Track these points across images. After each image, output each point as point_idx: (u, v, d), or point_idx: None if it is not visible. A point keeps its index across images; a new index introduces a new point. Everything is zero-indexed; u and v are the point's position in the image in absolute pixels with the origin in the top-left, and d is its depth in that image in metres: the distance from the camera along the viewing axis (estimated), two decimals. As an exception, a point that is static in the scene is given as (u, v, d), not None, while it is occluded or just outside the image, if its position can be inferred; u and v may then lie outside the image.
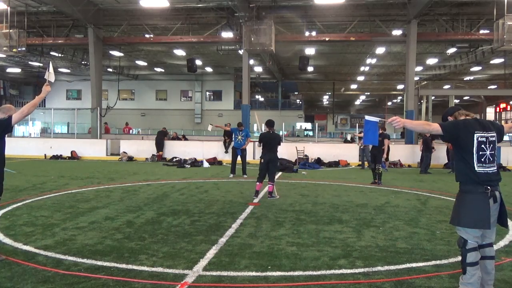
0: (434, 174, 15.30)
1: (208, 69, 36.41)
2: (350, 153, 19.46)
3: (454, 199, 3.80)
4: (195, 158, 18.24)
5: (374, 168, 12.16)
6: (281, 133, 26.82)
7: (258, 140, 9.70)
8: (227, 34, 22.04)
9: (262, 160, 9.24)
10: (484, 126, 3.70)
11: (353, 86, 45.24)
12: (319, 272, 4.36)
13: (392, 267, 4.56)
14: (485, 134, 3.62)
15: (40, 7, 20.65)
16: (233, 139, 13.87)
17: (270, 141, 9.25)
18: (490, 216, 3.54)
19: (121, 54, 27.50)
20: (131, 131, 33.36)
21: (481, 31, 20.79)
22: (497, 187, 3.62)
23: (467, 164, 3.61)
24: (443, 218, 7.11)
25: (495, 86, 34.27)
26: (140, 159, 20.14)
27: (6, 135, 4.88)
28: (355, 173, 15.79)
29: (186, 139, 22.87)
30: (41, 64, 30.82)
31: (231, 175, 13.47)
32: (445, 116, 4.02)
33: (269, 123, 9.60)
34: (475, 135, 3.59)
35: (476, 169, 3.57)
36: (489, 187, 3.54)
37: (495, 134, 3.68)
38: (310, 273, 4.35)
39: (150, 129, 34.91)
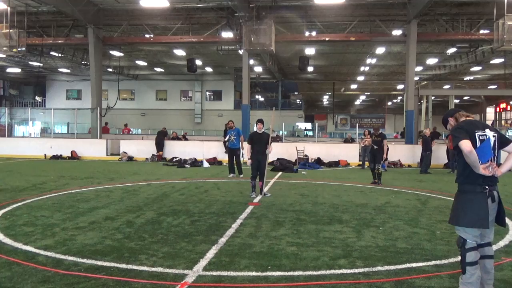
0: (434, 174, 15.29)
1: (208, 69, 36.41)
2: (350, 153, 19.45)
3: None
4: (195, 158, 18.24)
5: (374, 168, 12.18)
6: (281, 133, 26.89)
7: (248, 139, 9.82)
8: (227, 34, 22.04)
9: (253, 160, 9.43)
10: (484, 126, 3.72)
11: (353, 86, 45.23)
12: (319, 272, 4.36)
13: (392, 267, 4.56)
14: (486, 133, 3.63)
15: (40, 7, 20.66)
16: (227, 139, 13.66)
17: (260, 140, 9.46)
18: (488, 215, 3.56)
19: (121, 54, 27.50)
20: (130, 132, 33.42)
21: (481, 31, 20.79)
22: (495, 186, 3.64)
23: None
24: (443, 218, 7.10)
25: (495, 86, 34.28)
26: (140, 159, 20.13)
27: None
28: (355, 173, 15.79)
29: (186, 139, 22.87)
30: (41, 64, 30.86)
31: (231, 175, 13.50)
32: (445, 117, 4.01)
33: (259, 122, 9.76)
34: (476, 133, 3.60)
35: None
36: (487, 187, 3.56)
37: (495, 134, 3.70)
38: (310, 273, 4.35)
39: (150, 129, 34.92)
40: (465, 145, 3.45)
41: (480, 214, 3.52)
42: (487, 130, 3.65)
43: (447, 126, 4.03)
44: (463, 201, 3.63)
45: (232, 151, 13.56)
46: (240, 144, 13.56)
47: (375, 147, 12.18)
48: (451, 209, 3.78)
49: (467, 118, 3.80)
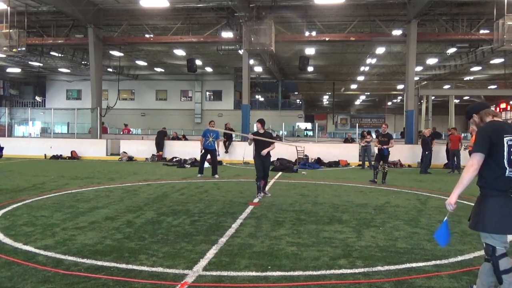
0: (434, 174, 15.30)
1: (208, 69, 36.42)
2: (350, 153, 19.45)
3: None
4: (195, 158, 18.22)
5: (377, 166, 12.15)
6: (281, 133, 26.88)
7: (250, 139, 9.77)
8: (227, 34, 22.05)
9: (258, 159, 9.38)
10: None
11: (353, 86, 45.24)
12: (319, 272, 4.36)
13: (392, 267, 4.56)
14: None
15: (40, 7, 20.66)
16: (205, 140, 13.18)
17: (262, 140, 9.40)
18: None
19: (121, 54, 27.51)
20: (130, 132, 33.41)
21: (481, 31, 20.79)
22: None
23: (498, 169, 3.41)
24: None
25: (495, 86, 34.28)
26: (140, 159, 20.13)
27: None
28: (355, 173, 15.79)
29: (186, 139, 22.86)
30: (41, 64, 30.85)
31: (199, 175, 13.38)
32: (470, 112, 3.74)
33: (260, 122, 9.71)
34: (505, 138, 3.41)
35: (507, 174, 3.39)
36: None
37: None
38: (310, 273, 4.35)
39: (150, 129, 34.92)
40: (474, 161, 3.36)
41: (509, 219, 3.35)
42: None
43: (470, 119, 3.78)
44: (491, 206, 3.41)
45: (208, 151, 13.30)
46: (216, 146, 13.35)
47: (384, 147, 12.12)
48: (473, 214, 3.55)
49: (494, 118, 3.58)
